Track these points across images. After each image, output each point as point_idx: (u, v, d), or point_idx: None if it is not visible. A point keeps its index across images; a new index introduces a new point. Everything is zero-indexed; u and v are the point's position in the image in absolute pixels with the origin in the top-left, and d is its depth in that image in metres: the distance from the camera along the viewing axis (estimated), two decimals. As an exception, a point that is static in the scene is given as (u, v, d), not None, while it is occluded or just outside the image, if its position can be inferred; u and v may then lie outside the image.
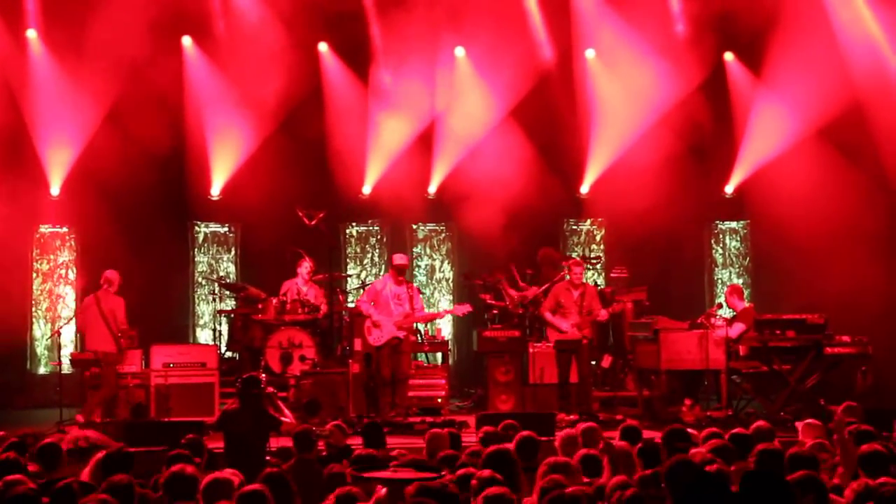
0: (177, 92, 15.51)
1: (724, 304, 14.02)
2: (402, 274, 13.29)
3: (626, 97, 15.91)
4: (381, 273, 15.99)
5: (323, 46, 16.16)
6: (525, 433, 7.75)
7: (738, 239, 17.31)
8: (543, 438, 8.07)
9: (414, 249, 17.02)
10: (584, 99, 16.24)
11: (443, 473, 5.98)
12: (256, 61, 15.35)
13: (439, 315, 14.72)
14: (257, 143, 15.71)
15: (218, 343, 14.71)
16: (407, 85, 15.60)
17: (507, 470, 6.30)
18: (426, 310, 14.25)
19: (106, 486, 5.95)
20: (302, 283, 14.06)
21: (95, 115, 14.92)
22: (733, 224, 17.28)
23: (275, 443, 9.78)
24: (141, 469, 7.13)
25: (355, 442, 9.66)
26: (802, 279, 15.08)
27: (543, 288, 13.97)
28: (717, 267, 17.28)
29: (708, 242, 17.27)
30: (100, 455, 7.18)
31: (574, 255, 16.21)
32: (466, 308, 13.44)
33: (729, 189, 16.52)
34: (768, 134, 15.78)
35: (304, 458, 8.22)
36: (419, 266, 17.04)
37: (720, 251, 17.31)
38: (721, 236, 17.33)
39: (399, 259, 13.37)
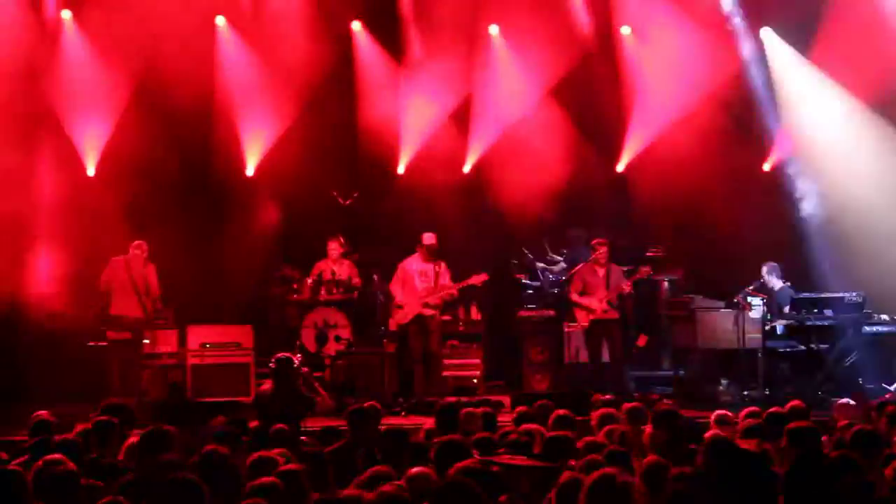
0: (208, 71, 15.46)
1: (763, 283, 13.87)
2: (432, 253, 13.28)
3: (667, 73, 15.61)
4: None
5: (356, 25, 16.09)
6: (561, 411, 7.72)
7: (776, 217, 17.06)
8: (579, 418, 8.04)
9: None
10: (624, 75, 16.01)
11: (558, 462, 5.87)
12: (288, 39, 15.27)
13: (458, 287, 13.82)
14: (290, 122, 15.65)
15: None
16: (441, 63, 15.47)
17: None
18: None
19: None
20: (332, 263, 14.06)
21: (126, 95, 14.89)
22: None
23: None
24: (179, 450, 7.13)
25: (388, 422, 9.64)
26: (841, 256, 14.87)
27: (574, 270, 13.77)
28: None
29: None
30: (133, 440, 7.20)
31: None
32: (483, 277, 13.51)
33: (767, 166, 16.27)
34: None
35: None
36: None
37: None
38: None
39: (428, 238, 13.36)
